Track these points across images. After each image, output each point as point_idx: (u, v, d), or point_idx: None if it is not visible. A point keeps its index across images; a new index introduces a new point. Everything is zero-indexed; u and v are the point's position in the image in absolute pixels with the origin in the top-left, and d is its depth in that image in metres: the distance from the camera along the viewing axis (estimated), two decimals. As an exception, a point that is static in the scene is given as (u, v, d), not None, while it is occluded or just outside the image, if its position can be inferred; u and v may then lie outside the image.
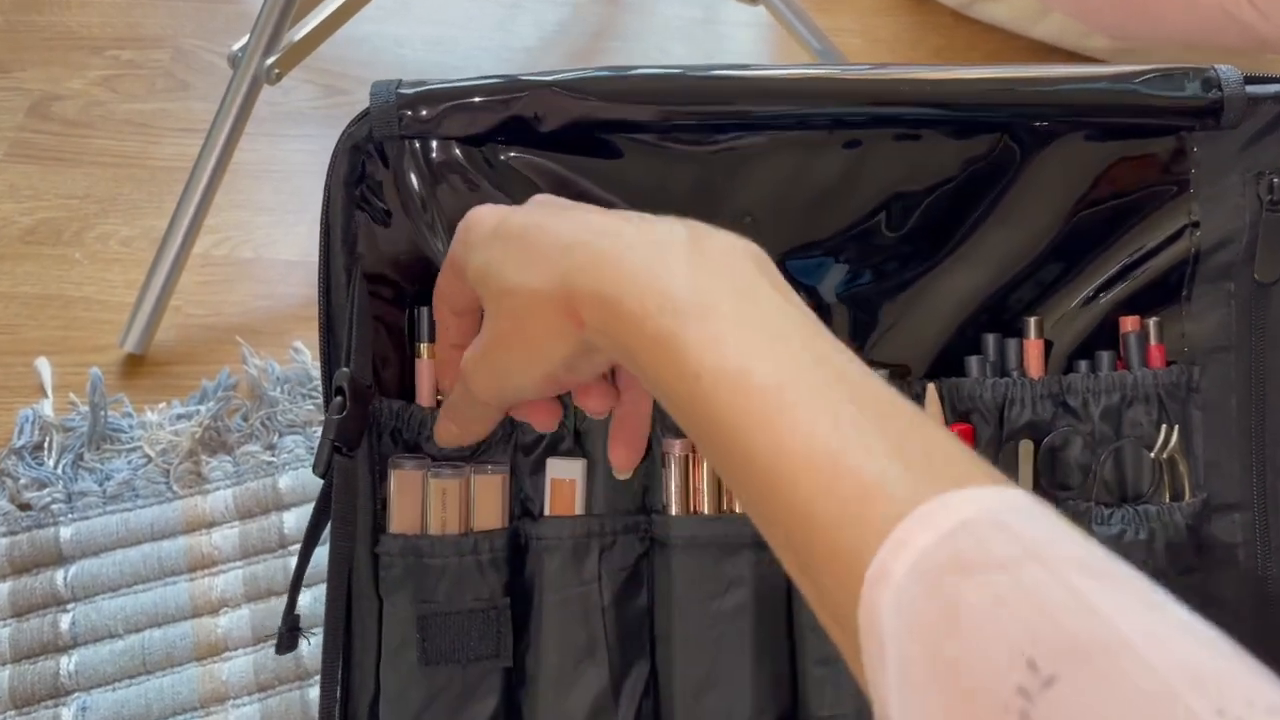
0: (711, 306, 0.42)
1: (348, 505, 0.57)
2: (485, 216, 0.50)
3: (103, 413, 0.82)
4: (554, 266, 0.45)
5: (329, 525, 0.57)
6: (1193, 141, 0.63)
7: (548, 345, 0.46)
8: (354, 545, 0.58)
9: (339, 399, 0.56)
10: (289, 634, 0.57)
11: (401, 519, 0.59)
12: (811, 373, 0.40)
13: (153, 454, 0.81)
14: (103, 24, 1.13)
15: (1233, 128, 0.61)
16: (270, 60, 0.86)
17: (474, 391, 0.51)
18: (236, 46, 0.88)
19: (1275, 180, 0.62)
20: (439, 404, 0.60)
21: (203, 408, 0.83)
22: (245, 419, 0.84)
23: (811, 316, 0.43)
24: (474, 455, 0.61)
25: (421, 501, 0.59)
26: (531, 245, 0.47)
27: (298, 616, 0.57)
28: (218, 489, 0.80)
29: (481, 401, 0.52)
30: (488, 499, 0.59)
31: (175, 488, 0.80)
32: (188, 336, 0.90)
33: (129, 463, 0.81)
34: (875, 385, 0.40)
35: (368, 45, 1.12)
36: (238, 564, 0.77)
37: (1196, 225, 0.63)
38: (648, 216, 0.48)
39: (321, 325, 0.59)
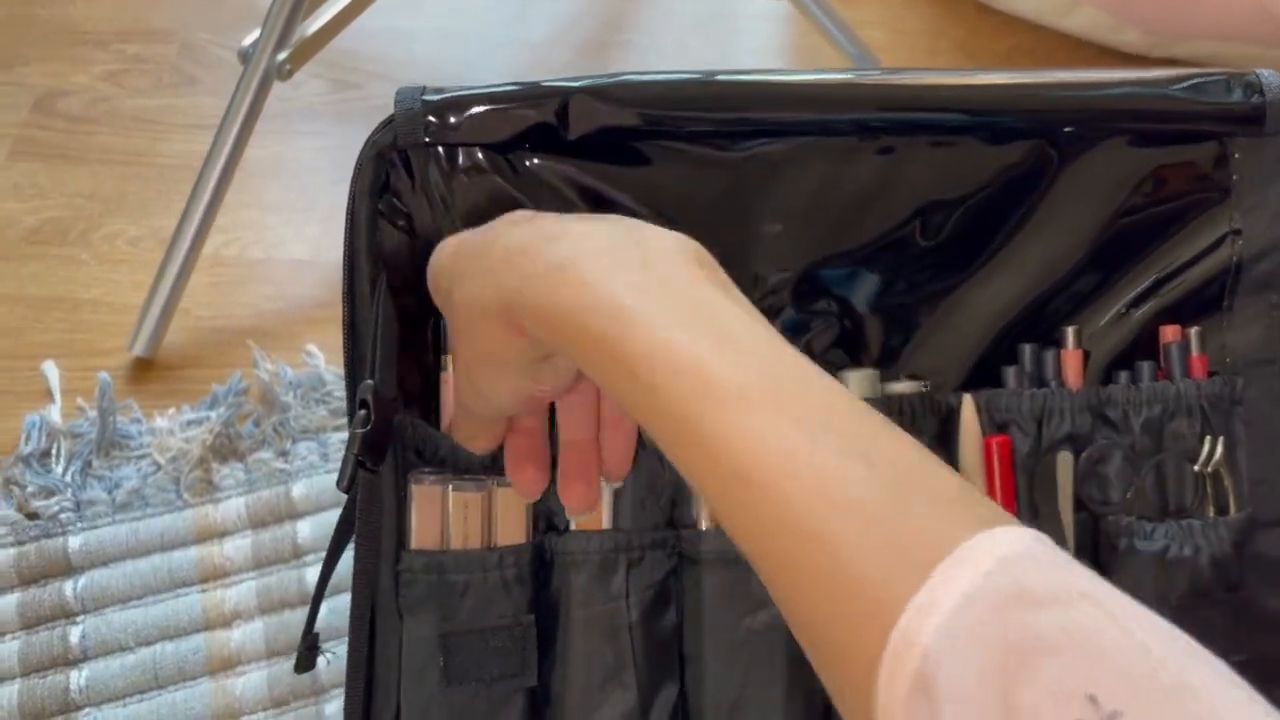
0: (653, 310, 0.41)
1: (372, 521, 0.55)
2: (448, 240, 0.52)
3: (111, 419, 0.81)
4: (494, 278, 0.45)
5: (352, 541, 0.55)
6: (1235, 148, 0.61)
7: (502, 355, 0.46)
8: (379, 562, 0.57)
9: (363, 412, 0.54)
10: (308, 653, 0.55)
11: (423, 534, 0.58)
12: (769, 378, 0.39)
13: (162, 461, 0.79)
14: (108, 17, 1.11)
15: (1276, 133, 0.60)
16: (282, 56, 0.84)
17: (464, 405, 0.52)
18: (247, 42, 0.86)
19: (1320, 188, 0.60)
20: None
21: (213, 414, 0.82)
22: (257, 424, 0.82)
23: (758, 315, 0.43)
24: (497, 468, 0.59)
25: (442, 516, 0.58)
26: (480, 259, 0.47)
27: (317, 635, 0.56)
28: (229, 497, 0.78)
29: (474, 415, 0.52)
30: (510, 512, 0.58)
31: (186, 496, 0.78)
32: (197, 339, 0.89)
33: (138, 470, 0.79)
34: (834, 392, 0.40)
35: (379, 39, 1.10)
36: (251, 575, 0.75)
37: (1239, 234, 0.62)
38: (590, 218, 0.49)
39: (346, 337, 0.57)
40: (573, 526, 0.59)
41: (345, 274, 0.57)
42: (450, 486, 0.58)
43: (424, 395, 0.60)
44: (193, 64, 1.07)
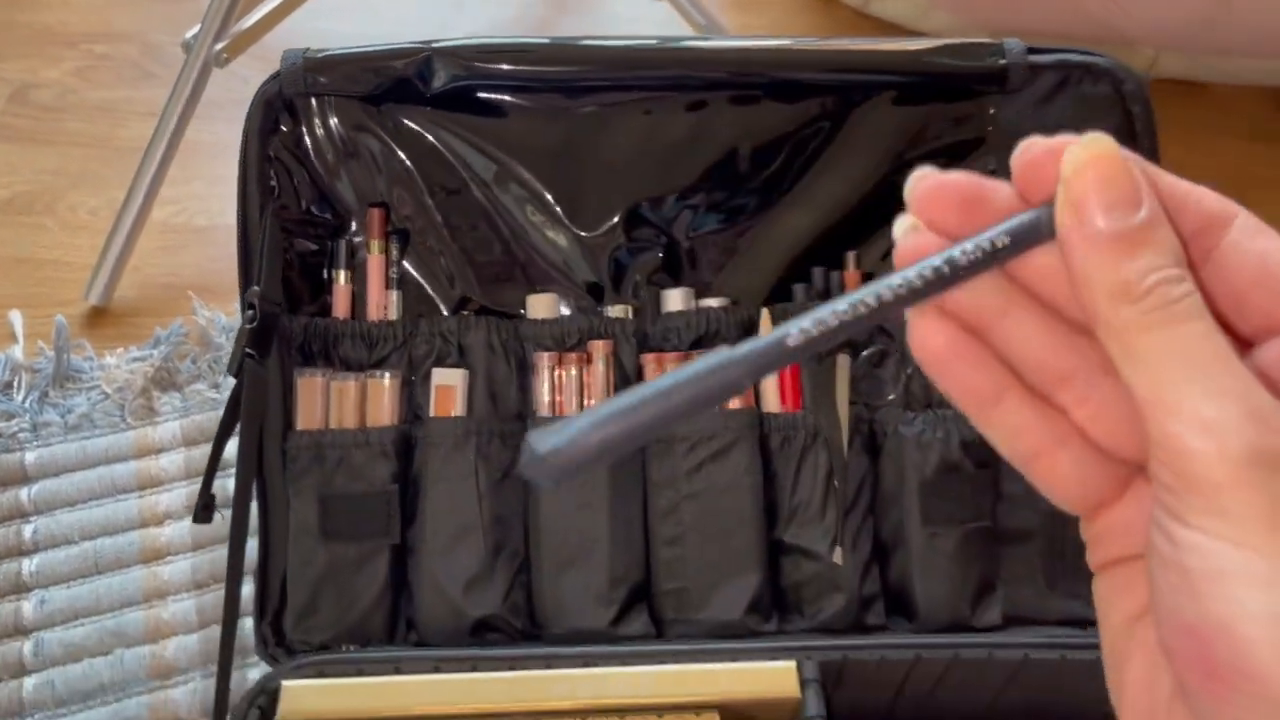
0: None
1: (256, 403, 0.67)
2: None
3: (65, 355, 0.93)
4: None
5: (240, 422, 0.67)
6: (989, 103, 0.73)
7: None
8: (261, 437, 0.69)
9: (250, 311, 0.66)
10: (204, 510, 0.67)
11: (306, 418, 0.70)
12: None
13: (110, 391, 0.91)
14: (77, 21, 1.24)
15: (1018, 91, 0.72)
16: (220, 46, 0.97)
17: None
18: (190, 34, 0.99)
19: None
20: (351, 317, 0.72)
21: (155, 352, 0.94)
22: (194, 362, 0.94)
23: None
24: (370, 364, 0.71)
25: (323, 403, 0.70)
26: None
27: (213, 496, 0.68)
28: (167, 421, 0.90)
29: None
30: (380, 400, 0.70)
31: (129, 419, 0.90)
32: (146, 293, 1.01)
33: (89, 399, 0.91)
34: None
35: (319, 41, 1.22)
36: (182, 484, 0.87)
37: (994, 174, 0.74)
38: None
39: (239, 252, 0.69)
40: (430, 414, 0.71)
41: (239, 201, 0.69)
42: (330, 378, 0.70)
43: (314, 300, 0.72)
44: (151, 61, 1.20)
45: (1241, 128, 1.23)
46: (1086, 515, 0.31)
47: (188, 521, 0.85)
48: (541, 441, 0.25)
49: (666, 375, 0.26)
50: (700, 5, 1.09)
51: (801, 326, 0.27)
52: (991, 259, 0.28)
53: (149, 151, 0.98)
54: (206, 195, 1.08)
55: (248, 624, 0.75)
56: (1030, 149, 0.29)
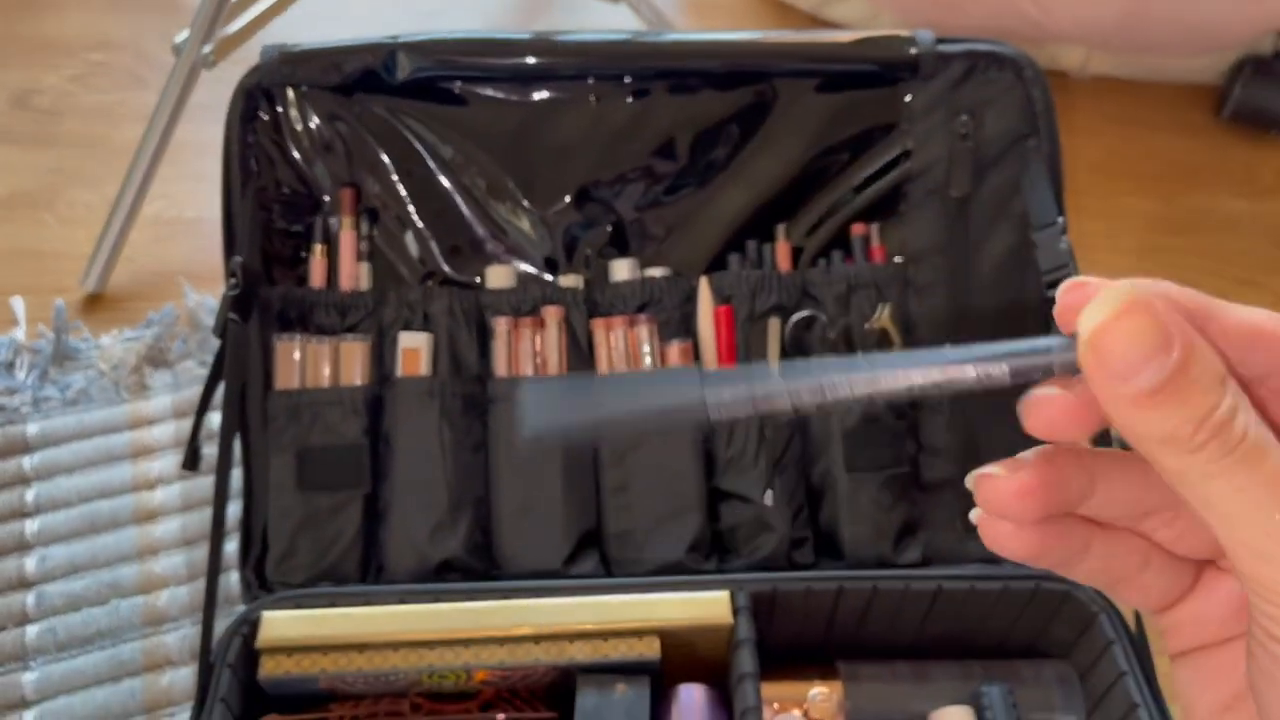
0: None
1: (238, 362, 0.74)
2: None
3: (64, 336, 1.00)
4: None
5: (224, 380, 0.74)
6: (904, 90, 0.81)
7: None
8: (244, 399, 0.75)
9: (233, 279, 0.73)
10: (192, 455, 0.74)
11: (284, 379, 0.77)
12: None
13: (106, 369, 0.98)
14: (75, 31, 1.31)
15: (929, 78, 0.80)
16: (207, 49, 1.04)
17: None
18: (179, 39, 1.06)
19: (963, 118, 0.79)
20: (326, 286, 0.78)
21: (148, 332, 1.01)
22: (184, 341, 1.01)
23: None
24: (343, 330, 0.78)
25: (300, 365, 0.77)
26: None
27: (199, 444, 0.75)
28: (159, 395, 0.97)
29: None
30: (352, 360, 0.77)
31: (124, 394, 0.97)
32: (138, 281, 1.08)
33: (86, 376, 0.98)
34: None
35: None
36: (173, 451, 0.94)
37: (909, 155, 0.81)
38: None
39: (224, 227, 0.77)
40: (398, 374, 0.78)
41: (223, 181, 0.77)
42: (305, 342, 0.77)
43: (291, 273, 0.79)
44: (144, 67, 1.28)
45: (1173, 122, 1.30)
46: (1159, 611, 0.31)
47: (178, 485, 0.92)
48: (535, 415, 0.27)
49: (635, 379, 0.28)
50: (655, 8, 1.16)
51: (786, 389, 0.27)
52: (986, 386, 0.27)
53: (141, 149, 1.05)
54: (195, 190, 1.15)
55: (234, 577, 0.82)
56: (1068, 293, 0.27)
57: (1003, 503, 0.28)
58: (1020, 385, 0.28)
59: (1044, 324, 0.78)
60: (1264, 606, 0.25)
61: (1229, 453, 0.24)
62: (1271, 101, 1.24)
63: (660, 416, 0.27)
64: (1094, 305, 0.26)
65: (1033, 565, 0.29)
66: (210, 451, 0.77)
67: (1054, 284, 0.76)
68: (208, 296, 1.05)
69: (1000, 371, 0.27)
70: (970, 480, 0.29)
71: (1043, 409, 0.27)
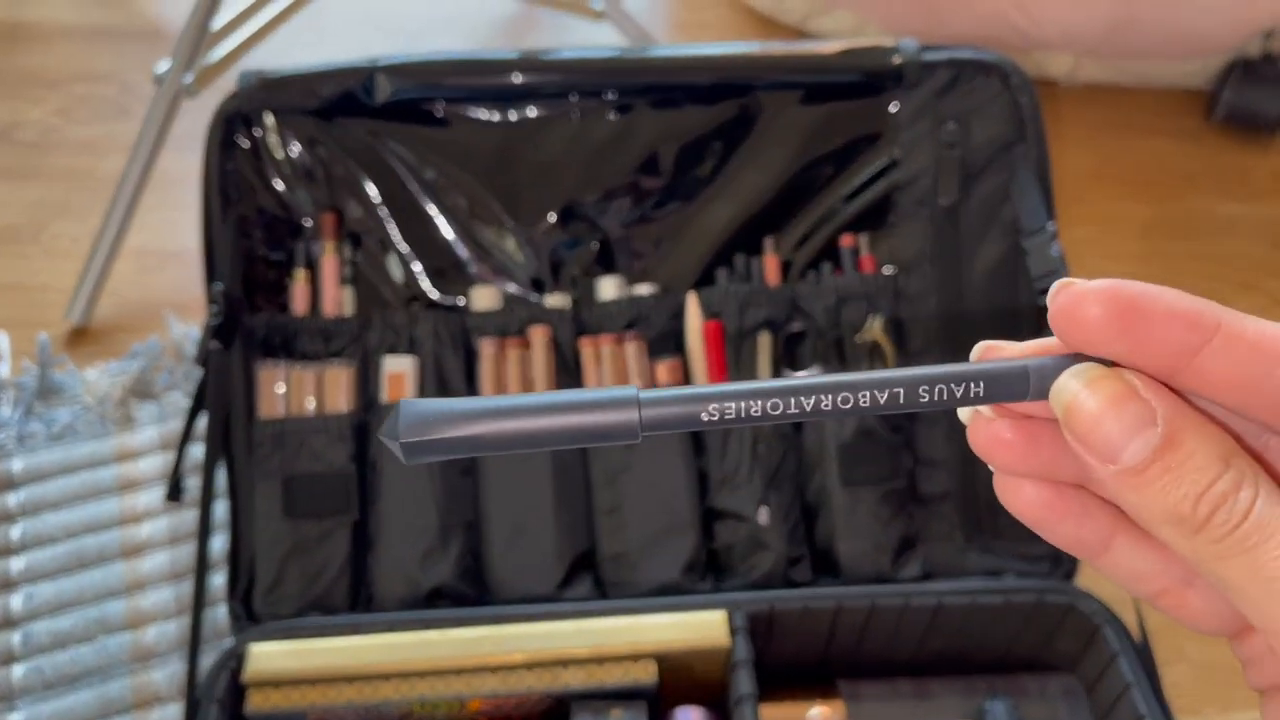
0: None
1: (221, 390, 0.73)
2: None
3: (49, 370, 0.98)
4: None
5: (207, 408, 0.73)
6: (889, 99, 0.80)
7: None
8: (228, 429, 0.74)
9: (215, 306, 0.72)
10: (175, 486, 0.73)
11: (269, 407, 0.75)
12: None
13: (91, 402, 0.97)
14: (59, 64, 1.31)
15: (913, 87, 0.79)
16: (188, 79, 1.03)
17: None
18: (160, 69, 1.05)
19: (950, 126, 0.79)
20: (310, 312, 0.77)
21: (133, 365, 1.00)
22: (169, 373, 1.00)
23: None
24: (327, 356, 0.77)
25: (285, 393, 0.75)
26: None
27: (182, 475, 0.73)
28: (145, 428, 0.96)
29: None
30: (337, 386, 0.76)
31: (109, 427, 0.96)
32: (124, 312, 1.07)
33: (71, 411, 0.97)
34: None
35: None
36: (159, 484, 0.92)
37: (896, 164, 0.80)
38: None
39: (205, 255, 0.76)
40: (383, 400, 0.77)
41: (202, 208, 0.76)
42: (290, 370, 0.76)
43: (274, 300, 0.78)
44: (128, 99, 1.27)
45: (1164, 127, 1.30)
46: (1234, 638, 0.27)
47: (165, 518, 0.90)
48: (408, 417, 0.24)
49: (566, 393, 0.25)
50: (639, 26, 1.16)
51: (722, 407, 0.25)
52: (953, 407, 0.26)
53: (124, 180, 1.04)
54: (180, 221, 1.14)
55: (223, 610, 0.80)
56: (1058, 296, 0.25)
57: (985, 447, 0.27)
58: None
59: (1036, 331, 0.77)
60: None
61: (1232, 534, 0.23)
62: (1262, 103, 1.24)
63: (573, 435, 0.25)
64: (1069, 377, 0.24)
65: (1043, 535, 0.27)
66: (196, 483, 0.75)
67: (1045, 290, 0.75)
68: (193, 327, 1.04)
69: (975, 392, 0.25)
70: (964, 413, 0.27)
71: (978, 436, 0.26)
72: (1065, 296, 0.25)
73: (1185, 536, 0.23)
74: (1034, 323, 0.77)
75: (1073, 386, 0.24)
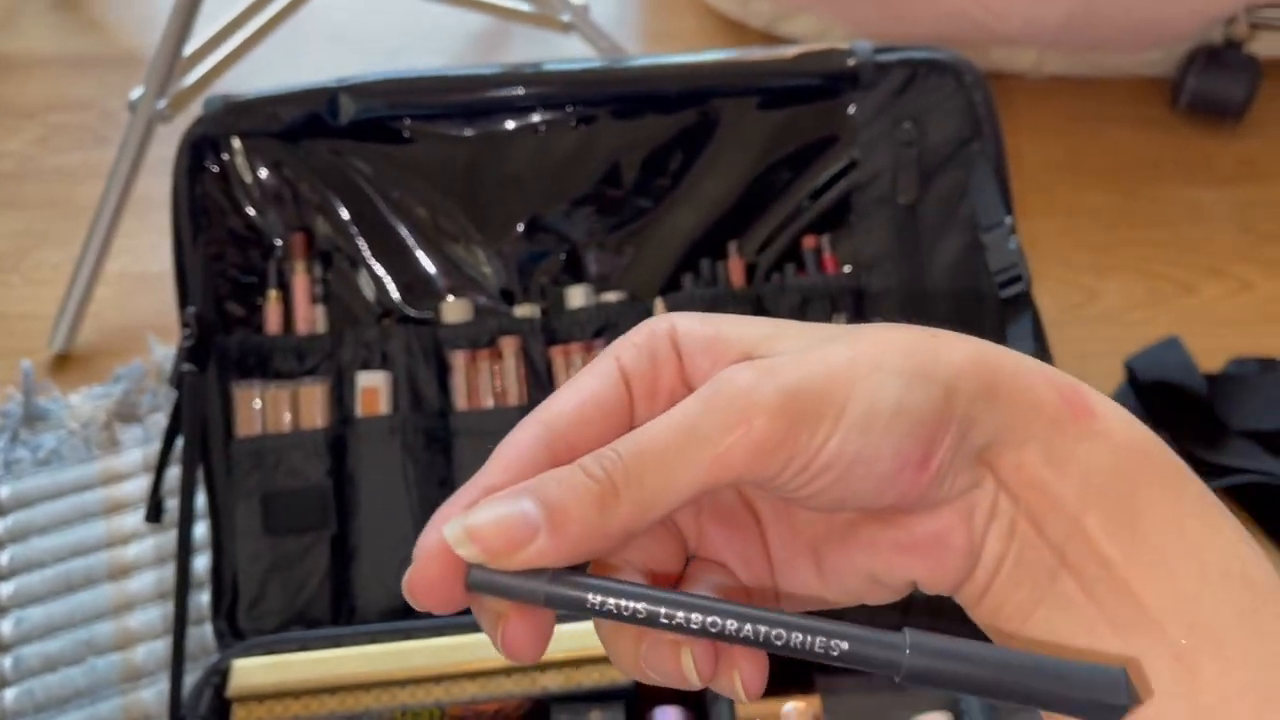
0: None
1: (196, 411, 0.74)
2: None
3: (33, 397, 1.00)
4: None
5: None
6: (849, 101, 0.81)
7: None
8: (206, 450, 0.76)
9: (187, 329, 0.74)
10: (155, 507, 0.74)
11: (245, 425, 0.77)
12: None
13: (76, 427, 0.98)
14: (35, 93, 1.32)
15: (870, 89, 0.80)
16: (162, 104, 1.05)
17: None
18: (134, 96, 1.07)
19: (906, 125, 0.80)
20: (283, 331, 0.79)
21: (116, 389, 1.01)
22: (153, 395, 1.01)
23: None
24: (301, 374, 0.79)
25: (260, 411, 0.77)
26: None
27: (161, 497, 0.75)
28: (130, 450, 0.97)
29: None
30: (312, 403, 0.77)
31: (94, 451, 0.97)
32: (106, 337, 1.08)
33: (56, 436, 0.98)
34: None
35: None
36: (144, 505, 0.93)
37: (855, 165, 0.82)
38: None
39: (176, 278, 0.77)
40: (359, 413, 0.78)
41: (173, 233, 0.77)
42: (264, 388, 0.77)
43: (247, 321, 0.79)
44: (106, 127, 1.28)
45: (1130, 117, 1.31)
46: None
47: (152, 539, 0.91)
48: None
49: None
50: (608, 37, 1.17)
51: (592, 600, 0.26)
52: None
53: (102, 206, 1.05)
54: (159, 245, 1.15)
55: (209, 629, 0.81)
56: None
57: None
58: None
59: (1000, 324, 0.78)
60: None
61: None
62: (1225, 90, 1.25)
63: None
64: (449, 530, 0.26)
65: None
66: (177, 504, 0.77)
67: (1006, 284, 0.77)
68: (175, 349, 1.05)
69: (838, 650, 0.26)
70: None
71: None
72: (412, 572, 0.27)
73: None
74: (996, 316, 0.78)
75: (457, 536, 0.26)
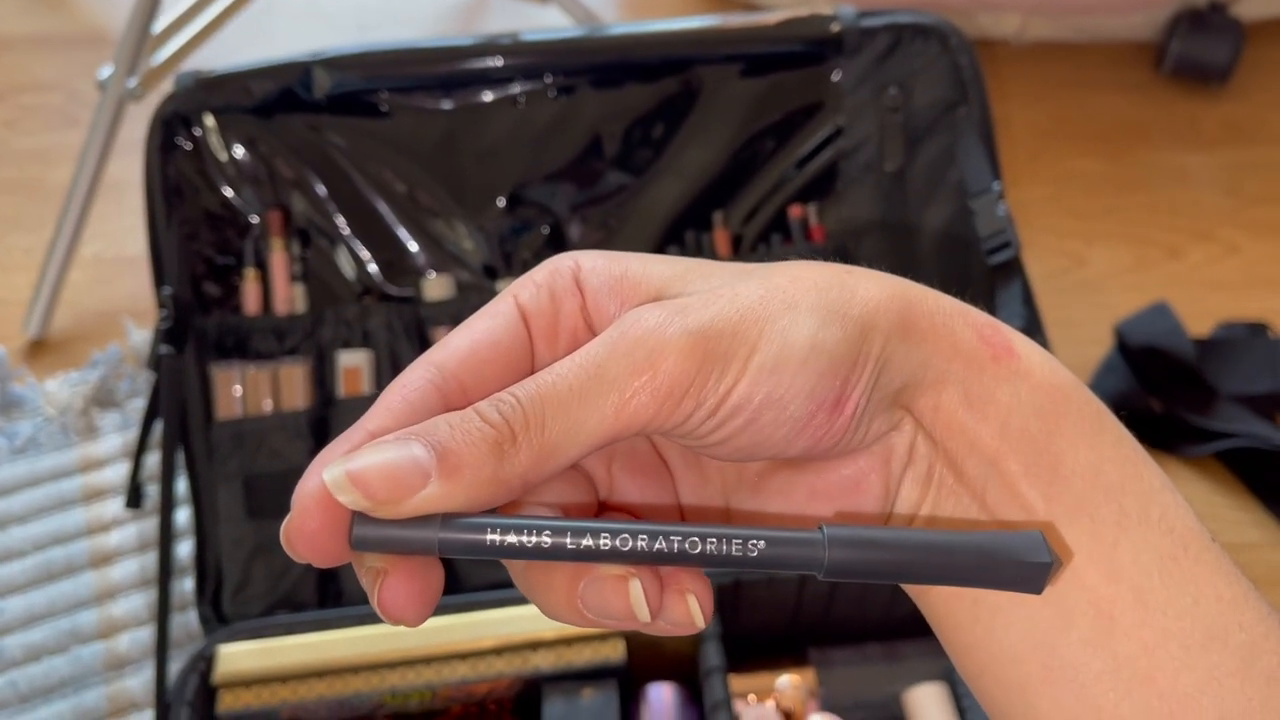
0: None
1: (174, 394, 0.73)
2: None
3: (8, 384, 0.98)
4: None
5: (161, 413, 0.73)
6: (833, 67, 0.80)
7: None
8: (186, 434, 0.74)
9: (164, 311, 0.72)
10: (134, 492, 0.72)
11: (225, 408, 0.75)
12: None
13: (53, 414, 0.97)
14: (3, 75, 1.29)
15: (854, 54, 0.79)
16: (133, 83, 1.02)
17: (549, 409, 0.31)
18: (104, 75, 1.04)
19: (892, 91, 0.79)
20: (262, 311, 0.77)
21: (94, 374, 0.99)
22: (132, 380, 1.00)
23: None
24: (281, 354, 0.77)
25: (240, 393, 0.75)
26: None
27: (142, 482, 0.73)
28: (108, 436, 0.96)
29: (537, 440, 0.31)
30: (293, 384, 0.76)
31: (72, 438, 0.95)
32: (82, 322, 1.06)
33: (33, 423, 0.97)
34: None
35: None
36: (126, 491, 0.92)
37: (841, 132, 0.80)
38: None
39: (151, 259, 0.75)
40: (341, 394, 0.77)
41: (146, 212, 0.75)
42: (244, 370, 0.76)
43: (226, 302, 0.78)
44: (76, 108, 1.26)
45: (1115, 81, 1.30)
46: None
47: (134, 526, 0.90)
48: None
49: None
50: (586, 8, 1.15)
51: (504, 538, 0.24)
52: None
53: (73, 189, 1.03)
54: (134, 228, 1.13)
55: (194, 615, 0.80)
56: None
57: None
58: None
59: (989, 291, 0.77)
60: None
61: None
62: (1209, 53, 1.24)
63: None
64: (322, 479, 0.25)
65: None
66: (158, 489, 0.75)
67: (994, 250, 0.76)
68: (152, 333, 1.03)
69: (755, 549, 0.25)
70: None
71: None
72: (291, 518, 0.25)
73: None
74: (986, 284, 0.78)
75: (335, 480, 0.24)
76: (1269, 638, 0.25)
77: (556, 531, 0.24)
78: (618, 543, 0.24)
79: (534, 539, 0.24)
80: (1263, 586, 0.28)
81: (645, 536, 0.25)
